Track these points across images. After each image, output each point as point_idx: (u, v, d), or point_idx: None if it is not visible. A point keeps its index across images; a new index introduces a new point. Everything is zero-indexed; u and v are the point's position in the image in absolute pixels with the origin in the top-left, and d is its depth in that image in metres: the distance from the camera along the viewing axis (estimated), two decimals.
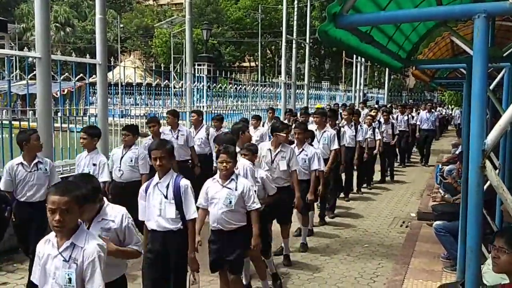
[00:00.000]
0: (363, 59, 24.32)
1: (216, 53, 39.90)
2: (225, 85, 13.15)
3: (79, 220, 2.67)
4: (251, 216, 4.33)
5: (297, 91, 17.06)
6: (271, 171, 5.60)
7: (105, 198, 3.29)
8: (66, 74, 7.70)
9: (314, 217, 7.42)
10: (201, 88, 11.75)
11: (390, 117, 12.55)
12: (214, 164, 5.73)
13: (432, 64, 6.55)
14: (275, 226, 5.83)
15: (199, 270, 4.08)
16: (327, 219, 7.99)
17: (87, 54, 7.67)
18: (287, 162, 5.68)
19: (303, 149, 6.39)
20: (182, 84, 11.06)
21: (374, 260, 6.18)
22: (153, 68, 12.25)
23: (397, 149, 13.35)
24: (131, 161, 6.15)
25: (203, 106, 11.46)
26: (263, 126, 10.11)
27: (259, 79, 16.77)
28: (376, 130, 10.83)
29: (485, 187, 2.21)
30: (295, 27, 16.81)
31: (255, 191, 4.54)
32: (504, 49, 5.16)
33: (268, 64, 47.63)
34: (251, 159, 4.92)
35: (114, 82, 9.29)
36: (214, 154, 5.94)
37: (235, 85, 13.63)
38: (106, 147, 7.44)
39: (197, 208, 4.15)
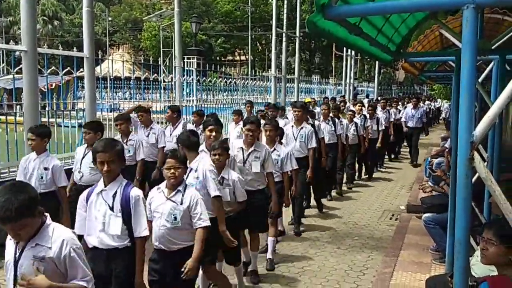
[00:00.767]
0: (353, 53, 24.37)
1: (206, 46, 39.71)
2: (215, 78, 13.09)
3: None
4: (196, 234, 3.62)
5: (288, 84, 17.04)
6: (243, 173, 5.07)
7: (48, 217, 2.54)
8: (53, 67, 7.60)
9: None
10: (191, 82, 11.68)
11: (377, 112, 12.11)
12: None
13: (421, 57, 6.57)
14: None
15: None
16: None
17: (75, 48, 7.58)
18: (261, 163, 5.19)
19: (274, 149, 5.77)
20: (171, 77, 10.98)
21: (364, 252, 6.21)
22: (142, 61, 12.17)
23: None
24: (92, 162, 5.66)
25: (192, 100, 11.39)
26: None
27: (249, 72, 16.71)
28: (359, 125, 10.39)
29: (473, 179, 2.21)
30: (285, 21, 16.75)
31: (229, 195, 4.34)
32: (492, 41, 5.17)
33: (258, 58, 47.54)
34: (224, 159, 4.53)
35: (102, 76, 9.19)
36: None
37: (225, 79, 13.58)
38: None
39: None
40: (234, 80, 14.45)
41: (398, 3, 2.43)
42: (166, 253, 3.62)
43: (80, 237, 3.18)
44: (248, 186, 5.00)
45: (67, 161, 7.19)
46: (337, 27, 2.84)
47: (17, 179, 4.98)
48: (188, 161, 4.00)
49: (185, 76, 11.23)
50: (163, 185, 3.76)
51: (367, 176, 11.36)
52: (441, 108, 27.40)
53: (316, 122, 8.05)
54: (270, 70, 15.87)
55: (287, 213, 7.04)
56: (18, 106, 6.66)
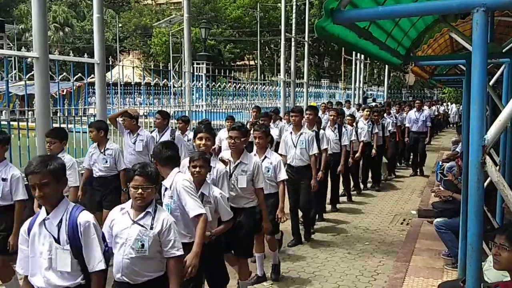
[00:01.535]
0: (362, 57, 24.30)
1: (215, 51, 39.86)
2: (224, 83, 13.13)
3: None
4: (168, 265, 3.10)
5: (297, 89, 17.04)
6: (229, 188, 4.50)
7: None
8: (65, 74, 7.68)
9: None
10: (200, 87, 11.73)
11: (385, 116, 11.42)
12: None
13: (431, 61, 6.53)
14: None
15: None
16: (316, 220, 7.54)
17: (86, 54, 7.65)
18: (249, 178, 4.66)
19: (266, 157, 5.34)
20: (181, 83, 11.03)
21: (375, 257, 6.17)
22: (152, 67, 12.23)
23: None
24: None
25: (202, 105, 11.44)
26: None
27: (259, 77, 16.74)
28: (367, 131, 9.79)
29: (485, 183, 2.19)
30: (293, 26, 16.78)
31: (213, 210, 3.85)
32: (503, 44, 5.14)
33: (267, 63, 47.59)
34: (205, 173, 3.96)
35: (113, 82, 9.27)
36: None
37: (234, 84, 13.61)
38: None
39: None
40: (243, 85, 14.49)
41: (407, 6, 2.44)
42: (130, 287, 3.07)
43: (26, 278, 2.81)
44: (233, 203, 4.43)
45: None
46: (347, 31, 2.84)
47: None
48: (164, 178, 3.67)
49: (195, 81, 11.28)
50: (127, 205, 3.16)
51: (373, 185, 10.56)
52: (449, 112, 27.03)
53: (321, 132, 7.28)
54: (279, 75, 15.88)
55: (287, 230, 6.55)
56: (30, 112, 6.73)
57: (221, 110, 11.96)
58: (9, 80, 6.66)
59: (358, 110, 12.26)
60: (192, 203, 3.58)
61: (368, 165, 10.43)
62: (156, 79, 10.02)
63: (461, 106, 21.15)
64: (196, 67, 11.94)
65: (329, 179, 8.30)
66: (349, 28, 2.76)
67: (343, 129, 8.58)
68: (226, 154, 4.85)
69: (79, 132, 7.95)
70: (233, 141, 4.64)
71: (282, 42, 15.85)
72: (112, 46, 39.26)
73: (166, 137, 7.14)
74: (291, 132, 6.68)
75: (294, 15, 16.98)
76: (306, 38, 18.29)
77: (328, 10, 2.32)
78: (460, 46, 6.68)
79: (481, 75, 2.04)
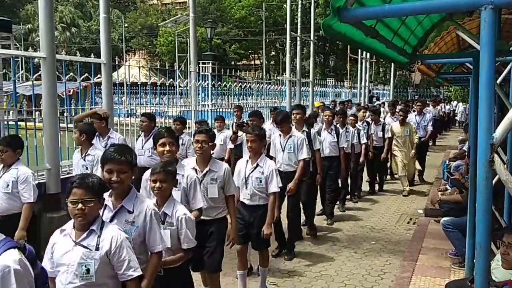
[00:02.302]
0: (368, 56, 24.22)
1: (221, 51, 39.89)
2: (230, 83, 13.13)
3: None
4: None
5: (302, 88, 17.01)
6: (202, 198, 4.03)
7: None
8: (71, 74, 7.71)
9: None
10: (206, 86, 11.74)
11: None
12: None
13: (437, 59, 6.51)
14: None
15: None
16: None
17: (92, 54, 7.68)
18: (219, 186, 4.21)
19: (258, 165, 4.78)
20: (187, 82, 11.04)
21: (381, 257, 6.15)
22: (158, 67, 12.27)
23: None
24: (7, 186, 4.60)
25: (208, 105, 11.44)
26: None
27: (264, 76, 16.73)
28: (362, 132, 9.18)
29: (493, 182, 2.18)
30: (299, 25, 16.74)
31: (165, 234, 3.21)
32: (510, 42, 5.10)
33: (272, 62, 47.57)
34: (169, 188, 3.42)
35: (119, 82, 9.29)
36: None
37: (240, 83, 13.60)
38: None
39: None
40: (249, 84, 14.48)
41: (414, 5, 2.42)
42: None
43: None
44: (203, 215, 3.99)
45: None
46: (353, 30, 2.83)
47: None
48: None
49: (201, 81, 11.29)
50: (69, 225, 2.67)
51: (375, 189, 10.12)
52: (457, 111, 26.75)
53: (313, 130, 6.83)
54: (285, 74, 15.85)
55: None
56: (37, 112, 6.77)
57: (227, 110, 11.96)
58: (16, 80, 6.69)
59: (358, 110, 11.40)
60: (158, 237, 2.94)
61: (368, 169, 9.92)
62: (162, 78, 10.04)
63: (468, 105, 21.03)
64: (202, 67, 11.94)
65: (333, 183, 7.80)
66: (355, 27, 2.75)
67: (340, 130, 8.00)
68: (190, 162, 4.25)
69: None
70: (200, 145, 4.12)
71: (288, 41, 15.83)
72: (118, 46, 39.41)
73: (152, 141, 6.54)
74: (280, 135, 6.19)
75: (299, 14, 16.95)
76: (312, 37, 18.25)
77: (335, 9, 2.32)
78: (466, 44, 6.64)
79: (489, 74, 2.03)
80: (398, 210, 8.61)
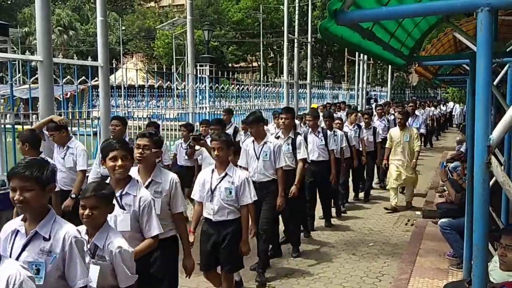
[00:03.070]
0: (365, 57, 24.29)
1: (218, 53, 39.92)
2: (227, 85, 13.14)
3: None
4: None
5: (300, 90, 17.03)
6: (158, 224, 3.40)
7: None
8: (69, 77, 7.70)
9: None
10: (204, 89, 11.74)
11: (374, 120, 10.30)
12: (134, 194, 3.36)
13: (435, 61, 6.52)
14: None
15: None
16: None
17: (90, 57, 7.68)
18: (164, 201, 3.62)
19: (226, 174, 4.29)
20: (184, 85, 11.05)
21: (379, 259, 6.15)
22: (155, 69, 12.26)
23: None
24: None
25: (206, 107, 11.45)
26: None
27: (262, 79, 16.77)
28: (353, 136, 8.81)
29: (490, 183, 2.18)
30: (296, 27, 16.79)
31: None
32: (507, 44, 5.12)
33: (270, 64, 47.61)
34: (101, 215, 2.86)
35: (117, 85, 9.28)
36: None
37: (238, 86, 13.61)
38: None
39: None
40: (247, 86, 14.50)
41: (411, 7, 2.43)
42: None
43: None
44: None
45: None
46: (350, 32, 2.84)
47: None
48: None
49: (198, 83, 11.30)
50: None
51: (363, 196, 9.55)
52: (453, 113, 26.69)
53: (299, 137, 6.20)
54: (282, 76, 15.90)
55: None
56: (34, 116, 6.76)
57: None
58: (13, 84, 6.69)
59: (348, 114, 10.47)
60: (79, 270, 2.43)
61: (357, 174, 9.36)
62: (160, 81, 10.04)
63: (465, 106, 21.09)
64: (200, 69, 11.95)
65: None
66: (352, 29, 2.76)
67: (329, 133, 7.48)
68: (132, 171, 3.47)
69: (83, 135, 7.98)
70: (140, 150, 3.55)
71: (285, 43, 15.87)
72: (116, 49, 39.42)
73: None
74: (253, 141, 5.58)
75: (297, 17, 16.99)
76: (309, 39, 18.30)
77: (332, 11, 2.32)
78: (463, 46, 6.67)
79: (486, 75, 2.04)
80: (396, 212, 8.60)
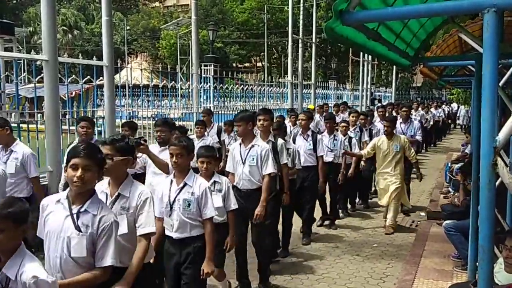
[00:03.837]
0: (370, 58, 24.23)
1: (222, 53, 39.96)
2: (232, 85, 13.15)
3: None
4: None
5: (304, 90, 17.02)
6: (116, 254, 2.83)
7: None
8: (74, 76, 7.73)
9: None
10: (208, 89, 11.76)
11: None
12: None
13: (440, 62, 6.50)
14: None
15: None
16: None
17: (95, 57, 7.70)
18: (130, 219, 3.05)
19: (185, 184, 3.73)
20: (188, 85, 11.07)
21: (383, 260, 6.14)
22: (160, 69, 12.28)
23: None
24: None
25: (210, 107, 11.46)
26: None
27: (266, 79, 16.76)
28: (354, 141, 8.02)
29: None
30: (301, 27, 16.76)
31: None
32: None
33: (274, 64, 47.61)
34: (8, 240, 2.35)
35: (121, 84, 9.31)
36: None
37: (242, 86, 13.62)
38: None
39: None
40: (251, 86, 14.50)
41: (416, 7, 2.43)
42: None
43: None
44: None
45: None
46: (355, 32, 2.83)
47: None
48: None
49: (202, 83, 11.31)
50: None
51: (361, 204, 9.02)
52: (458, 114, 26.44)
53: (280, 142, 5.54)
54: (287, 76, 15.88)
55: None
56: (39, 115, 6.78)
57: (229, 112, 11.98)
58: (19, 83, 6.72)
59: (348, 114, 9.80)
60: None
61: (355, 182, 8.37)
62: (164, 81, 10.06)
63: (470, 108, 20.99)
64: (204, 69, 11.97)
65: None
66: (358, 30, 2.75)
67: (320, 136, 7.02)
68: (102, 183, 3.12)
69: None
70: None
71: (290, 43, 15.85)
72: (121, 48, 39.50)
73: None
74: (240, 144, 5.09)
75: (301, 17, 16.97)
76: (314, 40, 18.28)
77: (337, 12, 2.32)
78: (469, 47, 6.63)
79: (492, 76, 2.03)
80: (400, 213, 8.57)
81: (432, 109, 19.65)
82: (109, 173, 3.02)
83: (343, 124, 8.09)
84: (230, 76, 12.90)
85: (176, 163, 3.72)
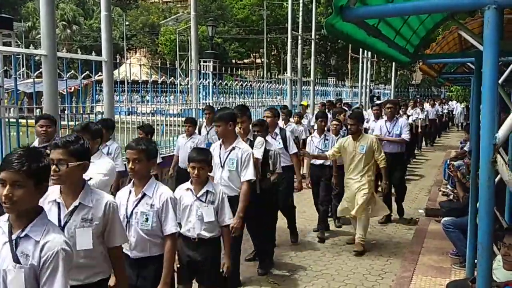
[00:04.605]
0: (369, 55, 24.20)
1: (221, 49, 39.92)
2: (231, 81, 13.13)
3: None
4: None
5: (303, 87, 17.01)
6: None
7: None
8: (73, 71, 7.71)
9: None
10: (207, 85, 11.73)
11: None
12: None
13: (439, 59, 6.49)
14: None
15: None
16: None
17: (93, 52, 7.68)
18: (94, 231, 2.67)
19: (144, 194, 3.23)
20: (187, 81, 11.04)
21: (382, 256, 6.15)
22: (159, 65, 12.25)
23: None
24: None
25: (209, 103, 11.43)
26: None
27: (265, 75, 16.73)
28: (327, 143, 7.12)
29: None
30: (300, 23, 16.73)
31: None
32: None
33: (274, 61, 47.59)
34: None
35: (120, 80, 9.28)
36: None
37: (241, 82, 13.59)
38: None
39: None
40: (250, 83, 14.48)
41: (416, 4, 2.42)
42: None
43: None
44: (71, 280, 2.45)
45: None
46: (355, 29, 2.82)
47: None
48: None
49: (201, 79, 11.29)
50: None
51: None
52: (454, 112, 26.24)
53: (258, 141, 5.13)
54: (286, 73, 15.86)
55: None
56: (38, 110, 6.77)
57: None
58: (17, 78, 6.70)
59: (336, 113, 9.14)
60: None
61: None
62: (163, 77, 10.03)
63: (467, 105, 20.99)
64: (203, 65, 11.93)
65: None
66: (358, 26, 2.74)
67: (287, 134, 6.58)
68: (53, 191, 2.65)
69: None
70: (54, 167, 2.56)
71: (289, 40, 15.82)
72: (119, 44, 39.47)
73: None
74: (220, 145, 4.67)
75: (300, 13, 16.94)
76: (313, 36, 18.24)
77: (338, 8, 2.31)
78: (469, 44, 6.63)
79: (492, 74, 2.02)
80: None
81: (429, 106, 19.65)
82: (63, 181, 2.62)
83: (334, 122, 7.51)
84: (229, 73, 12.86)
85: (133, 169, 3.18)
